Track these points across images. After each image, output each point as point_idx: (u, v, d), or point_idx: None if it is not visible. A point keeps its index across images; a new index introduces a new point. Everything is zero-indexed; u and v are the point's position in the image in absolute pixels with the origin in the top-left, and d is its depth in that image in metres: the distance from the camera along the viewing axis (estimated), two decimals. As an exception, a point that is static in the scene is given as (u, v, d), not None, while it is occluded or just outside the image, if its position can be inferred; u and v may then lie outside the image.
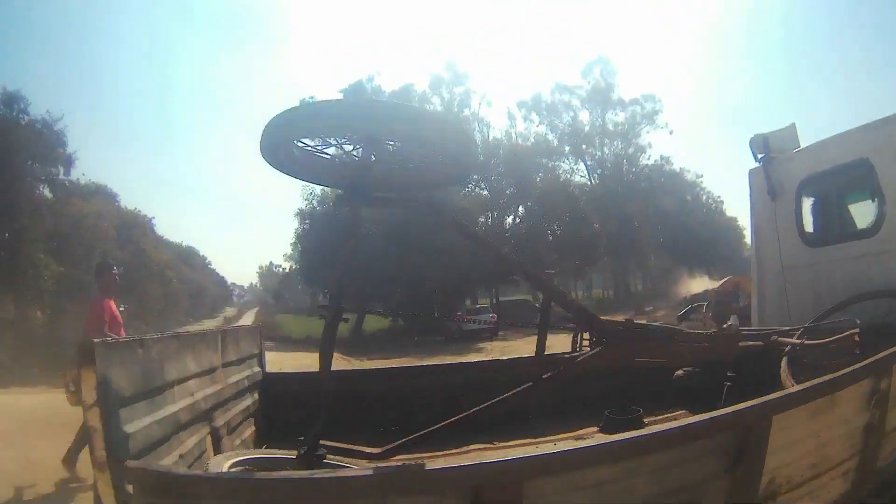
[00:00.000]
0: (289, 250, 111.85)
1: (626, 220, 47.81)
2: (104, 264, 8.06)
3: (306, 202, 43.93)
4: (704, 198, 57.56)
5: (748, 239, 38.14)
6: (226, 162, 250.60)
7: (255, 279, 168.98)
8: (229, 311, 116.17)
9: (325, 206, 41.88)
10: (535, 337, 21.83)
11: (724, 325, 4.84)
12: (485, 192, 46.70)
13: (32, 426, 10.97)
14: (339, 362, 25.76)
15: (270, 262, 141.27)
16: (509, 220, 47.95)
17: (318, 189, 43.35)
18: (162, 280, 58.14)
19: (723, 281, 22.03)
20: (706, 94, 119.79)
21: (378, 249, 35.65)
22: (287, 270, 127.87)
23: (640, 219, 48.77)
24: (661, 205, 49.67)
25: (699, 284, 36.63)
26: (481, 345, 31.47)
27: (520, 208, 46.78)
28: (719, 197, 58.43)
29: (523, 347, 26.38)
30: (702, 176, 60.25)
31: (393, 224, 36.57)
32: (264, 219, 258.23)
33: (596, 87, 52.78)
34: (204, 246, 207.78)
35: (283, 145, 3.77)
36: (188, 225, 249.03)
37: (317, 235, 40.11)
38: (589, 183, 52.83)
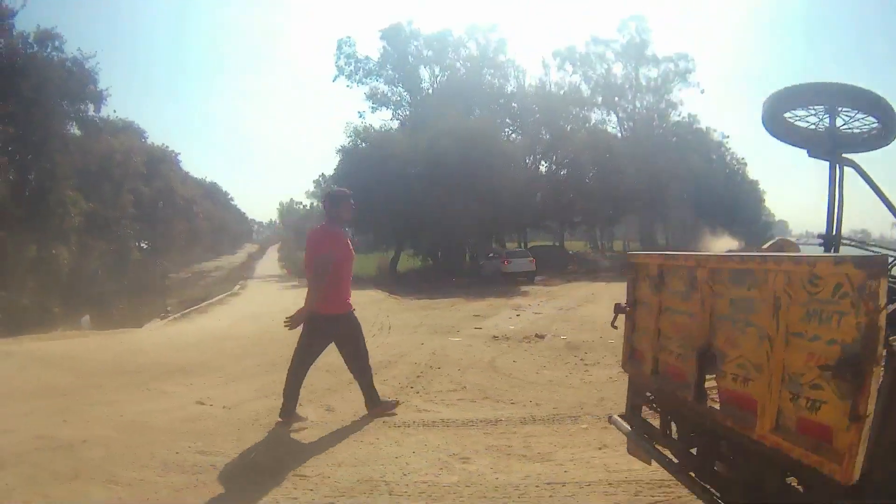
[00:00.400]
0: (311, 187, 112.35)
1: (655, 174, 47.46)
2: (341, 193, 7.02)
3: (349, 139, 42.76)
4: (728, 158, 58.21)
5: (769, 203, 37.23)
6: (248, 99, 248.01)
7: (274, 216, 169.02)
8: (251, 248, 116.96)
9: (367, 145, 41.21)
10: (575, 283, 31.44)
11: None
12: (520, 138, 46.18)
13: (97, 377, 9.43)
14: (388, 301, 24.78)
15: (291, 199, 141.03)
16: (543, 166, 47.68)
17: (361, 126, 43.93)
18: (188, 215, 58.08)
19: (770, 242, 22.37)
20: (734, 55, 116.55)
21: (414, 189, 35.88)
22: (308, 208, 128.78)
23: (668, 174, 48.09)
24: (689, 162, 49.42)
25: (723, 243, 36.30)
26: (524, 288, 30.30)
27: (553, 156, 46.80)
28: (742, 158, 59.17)
29: (572, 292, 26.52)
30: (728, 136, 61.15)
31: (430, 164, 36.47)
32: (285, 155, 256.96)
33: (631, 42, 53.13)
34: (225, 181, 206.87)
35: (778, 115, 4.95)
36: (211, 160, 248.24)
37: (357, 173, 38.98)
38: (619, 135, 53.41)
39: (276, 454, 5.55)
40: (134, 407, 7.37)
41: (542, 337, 12.81)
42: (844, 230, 5.15)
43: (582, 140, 45.85)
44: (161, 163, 54.87)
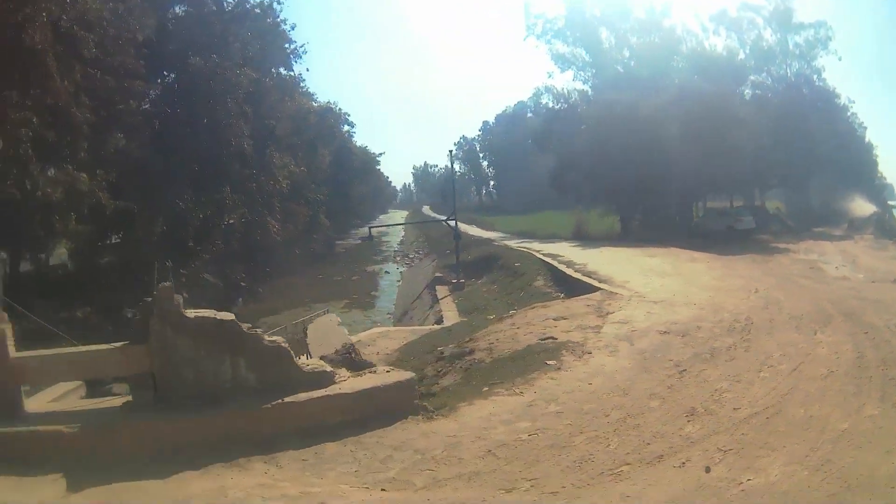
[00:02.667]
0: (453, 149, 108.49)
1: (808, 138, 46.18)
2: None
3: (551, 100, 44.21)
4: (852, 122, 56.50)
5: (882, 167, 54.54)
6: (375, 61, 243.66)
7: (407, 179, 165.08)
8: (399, 212, 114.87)
9: (566, 107, 43.35)
10: (803, 242, 29.96)
11: None
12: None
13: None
14: (719, 259, 22.21)
15: (425, 163, 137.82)
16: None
17: (556, 85, 46.34)
18: (365, 178, 54.62)
19: None
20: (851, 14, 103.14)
21: (629, 149, 35.78)
22: (443, 169, 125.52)
23: (814, 138, 46.57)
24: (827, 126, 48.66)
25: (862, 206, 41.27)
26: (778, 245, 28.95)
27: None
28: (862, 123, 57.81)
29: (823, 248, 26.53)
30: (854, 102, 58.00)
31: (645, 126, 35.59)
32: (413, 118, 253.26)
33: (777, 9, 51.31)
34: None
35: None
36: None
37: (559, 135, 41.25)
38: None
39: None
40: None
41: None
42: None
43: (775, 103, 46.35)
44: (335, 125, 51.31)
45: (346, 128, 55.51)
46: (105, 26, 18.96)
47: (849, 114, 56.30)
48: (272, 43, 31.66)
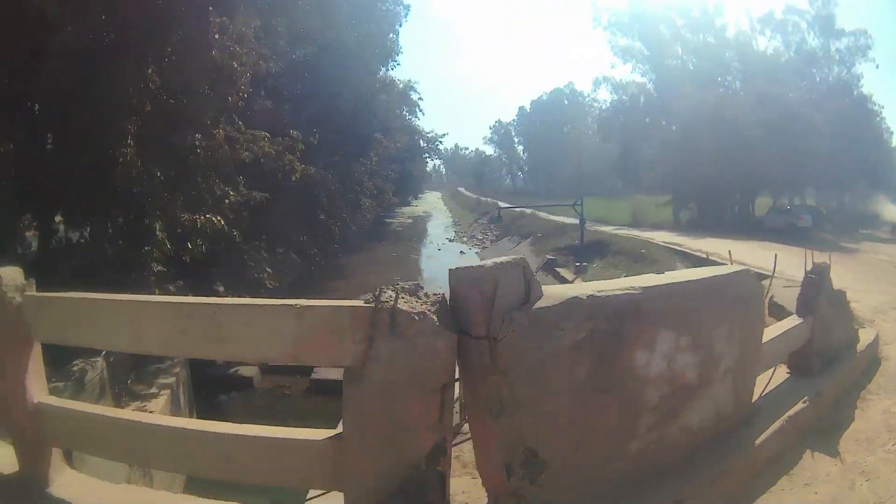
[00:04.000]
0: (487, 133, 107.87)
1: (850, 141, 46.50)
2: None
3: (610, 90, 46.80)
4: (881, 127, 56.78)
5: None
6: (415, 45, 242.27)
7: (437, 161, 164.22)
8: (434, 194, 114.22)
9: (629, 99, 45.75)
10: (865, 242, 32.02)
11: None
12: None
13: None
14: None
15: (456, 145, 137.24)
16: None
17: (625, 77, 48.78)
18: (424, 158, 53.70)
19: None
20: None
21: (691, 143, 37.33)
22: (472, 152, 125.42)
23: (849, 141, 46.57)
24: (863, 131, 49.53)
25: (892, 210, 41.56)
26: (849, 245, 29.11)
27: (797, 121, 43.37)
28: (889, 128, 57.98)
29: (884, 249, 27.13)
30: (884, 107, 59.07)
31: (709, 122, 36.90)
32: (446, 99, 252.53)
33: (819, 14, 53.37)
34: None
35: None
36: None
37: (626, 126, 43.79)
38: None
39: None
40: None
41: None
42: None
43: (821, 107, 45.95)
44: (404, 99, 49.65)
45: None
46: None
47: (877, 119, 56.55)
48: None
